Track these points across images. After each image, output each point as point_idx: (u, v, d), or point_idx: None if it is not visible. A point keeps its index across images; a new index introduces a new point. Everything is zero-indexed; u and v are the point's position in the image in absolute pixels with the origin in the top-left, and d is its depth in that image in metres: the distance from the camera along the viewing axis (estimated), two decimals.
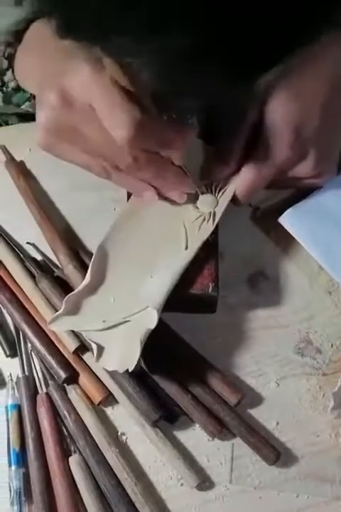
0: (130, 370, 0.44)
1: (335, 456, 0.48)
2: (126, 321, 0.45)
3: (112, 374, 0.48)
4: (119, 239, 0.48)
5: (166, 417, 0.48)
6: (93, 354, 0.44)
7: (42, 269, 0.53)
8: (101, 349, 0.44)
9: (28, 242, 0.55)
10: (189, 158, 0.51)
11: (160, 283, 0.46)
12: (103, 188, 0.52)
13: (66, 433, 0.48)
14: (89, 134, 0.43)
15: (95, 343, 0.44)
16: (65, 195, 0.56)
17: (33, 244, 0.55)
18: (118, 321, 0.45)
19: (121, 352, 0.44)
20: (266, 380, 0.50)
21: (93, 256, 0.47)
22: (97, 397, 0.49)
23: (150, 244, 0.48)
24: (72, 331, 0.49)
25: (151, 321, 0.44)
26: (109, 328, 0.44)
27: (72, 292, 0.46)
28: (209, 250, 0.50)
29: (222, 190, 0.50)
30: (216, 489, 0.47)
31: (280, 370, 0.50)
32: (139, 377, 0.48)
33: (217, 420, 0.48)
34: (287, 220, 0.54)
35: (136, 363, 0.43)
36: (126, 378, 0.48)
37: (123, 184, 0.48)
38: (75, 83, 0.42)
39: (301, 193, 0.55)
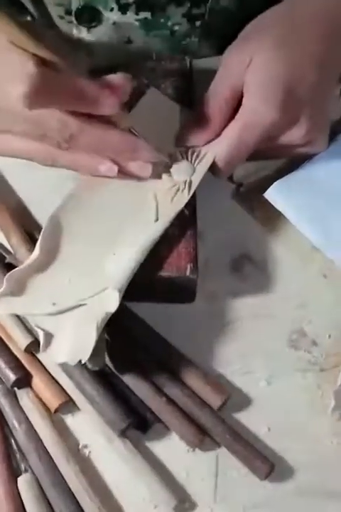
0: (83, 362, 0.37)
1: (339, 466, 0.42)
2: (81, 305, 0.39)
3: (71, 374, 0.42)
4: (77, 208, 0.42)
5: (137, 425, 0.42)
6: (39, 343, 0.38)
7: None
8: (49, 337, 0.37)
9: None
10: (163, 122, 0.46)
11: (124, 260, 0.40)
12: None
13: (15, 447, 0.41)
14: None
15: (42, 329, 0.37)
16: (19, 171, 0.50)
17: None
18: (71, 304, 0.38)
19: (73, 340, 0.38)
20: (254, 379, 0.44)
21: (43, 227, 0.40)
22: (54, 403, 0.42)
23: (114, 215, 0.42)
24: (25, 325, 0.43)
25: (111, 303, 0.38)
26: (60, 312, 0.38)
27: (16, 268, 0.39)
28: (186, 227, 0.44)
29: (200, 157, 0.44)
30: (198, 511, 0.41)
31: (271, 367, 0.45)
32: (104, 379, 0.42)
33: (198, 427, 0.42)
34: (274, 194, 0.48)
35: (90, 352, 0.37)
36: (88, 380, 0.42)
37: (73, 165, 0.43)
38: None
39: (289, 167, 0.50)
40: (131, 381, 0.42)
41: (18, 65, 0.36)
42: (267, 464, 0.41)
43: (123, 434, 0.41)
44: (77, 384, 0.42)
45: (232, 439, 0.41)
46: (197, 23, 0.54)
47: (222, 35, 0.51)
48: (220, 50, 0.48)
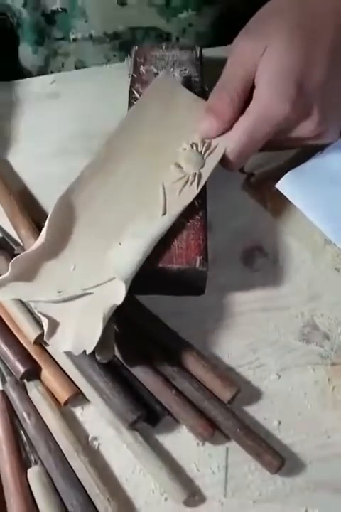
0: (88, 352, 0.36)
1: None
2: (87, 294, 0.38)
3: (81, 366, 0.41)
4: (84, 195, 0.41)
5: (146, 417, 0.41)
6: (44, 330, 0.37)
7: (0, 246, 0.46)
8: (53, 325, 0.36)
9: None
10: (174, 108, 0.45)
11: (130, 251, 0.39)
12: (71, 155, 0.46)
13: (25, 439, 0.41)
14: None
15: (47, 316, 0.37)
16: (28, 163, 0.49)
17: None
18: (77, 293, 0.38)
19: (78, 330, 0.37)
20: (265, 372, 0.44)
21: (50, 212, 0.40)
22: (63, 395, 0.41)
23: (121, 205, 0.41)
24: (34, 317, 0.42)
25: (118, 295, 0.37)
26: (65, 300, 0.37)
27: (22, 253, 0.38)
28: (195, 218, 0.43)
29: (210, 149, 0.44)
30: (208, 504, 0.40)
31: (282, 360, 0.44)
32: (113, 371, 0.41)
33: (208, 420, 0.41)
34: (286, 185, 0.47)
35: (95, 343, 0.36)
36: (97, 372, 0.41)
37: None
38: None
39: (301, 157, 0.49)
40: (141, 374, 0.42)
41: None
42: (277, 458, 0.40)
43: (132, 426, 0.40)
44: (86, 376, 0.41)
45: (242, 433, 0.40)
46: None
47: (220, 11, 0.50)
48: (219, 29, 0.46)
